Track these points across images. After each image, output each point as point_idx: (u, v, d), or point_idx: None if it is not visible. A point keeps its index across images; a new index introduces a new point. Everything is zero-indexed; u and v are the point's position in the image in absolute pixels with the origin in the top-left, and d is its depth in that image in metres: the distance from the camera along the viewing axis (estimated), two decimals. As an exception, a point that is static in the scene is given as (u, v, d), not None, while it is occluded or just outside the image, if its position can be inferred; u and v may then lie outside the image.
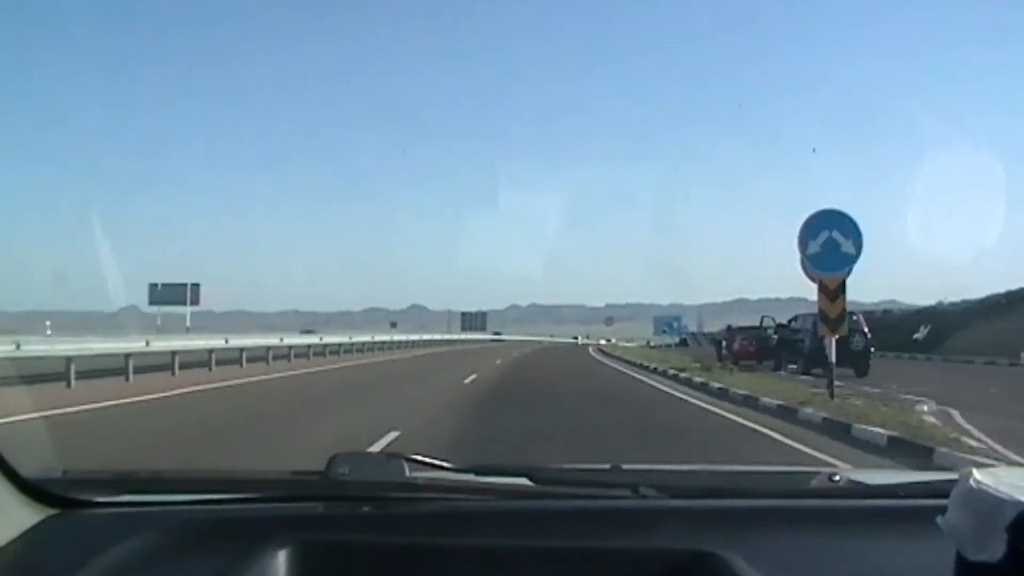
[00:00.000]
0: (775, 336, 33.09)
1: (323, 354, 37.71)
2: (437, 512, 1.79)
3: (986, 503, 1.22)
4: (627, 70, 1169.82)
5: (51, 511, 1.76)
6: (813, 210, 16.12)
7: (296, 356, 33.65)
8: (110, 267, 56.66)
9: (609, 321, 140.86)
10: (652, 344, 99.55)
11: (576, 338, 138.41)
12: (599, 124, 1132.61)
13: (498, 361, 36.90)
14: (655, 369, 30.78)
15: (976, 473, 1.29)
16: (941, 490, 1.40)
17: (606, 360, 44.76)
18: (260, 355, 30.45)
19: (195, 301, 62.88)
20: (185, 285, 63.23)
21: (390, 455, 1.86)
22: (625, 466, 2.17)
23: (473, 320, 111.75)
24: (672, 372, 27.22)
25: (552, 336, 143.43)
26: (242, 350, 28.59)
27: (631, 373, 30.47)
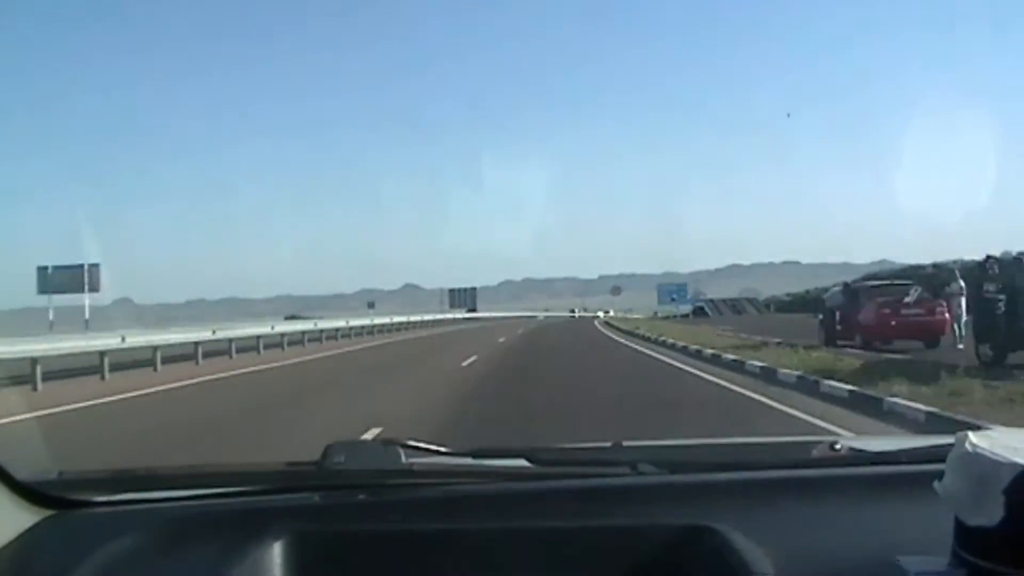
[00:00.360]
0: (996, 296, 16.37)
1: (301, 342, 34.19)
2: (434, 497, 1.77)
3: (982, 466, 1.21)
4: (615, 30, 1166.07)
5: (47, 512, 1.76)
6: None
7: (267, 347, 30.30)
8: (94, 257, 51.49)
9: (616, 291, 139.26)
10: (660, 315, 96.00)
11: (573, 311, 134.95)
12: (584, 91, 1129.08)
13: (470, 359, 23.51)
14: (712, 355, 21.33)
15: (972, 436, 1.28)
16: (941, 454, 1.38)
17: (632, 344, 32.11)
18: (251, 344, 29.28)
19: (94, 288, 46.81)
20: (81, 267, 46.80)
21: (386, 442, 1.83)
22: (626, 443, 2.14)
23: (462, 297, 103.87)
24: (758, 365, 17.15)
25: (547, 311, 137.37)
26: (231, 340, 27.28)
27: (695, 371, 18.83)
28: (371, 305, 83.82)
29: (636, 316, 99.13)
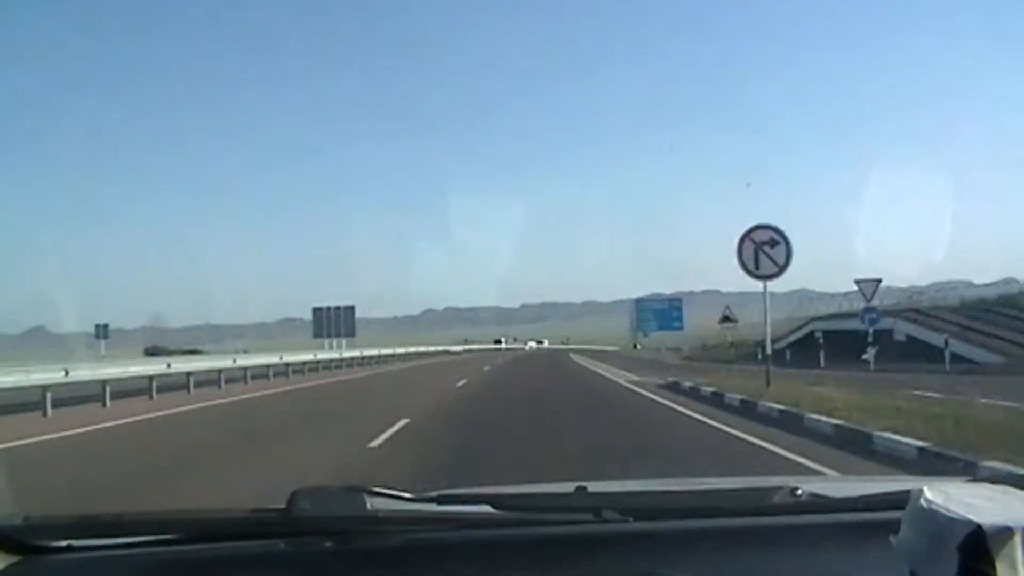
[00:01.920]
0: None
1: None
2: (399, 546, 1.79)
3: (936, 522, 1.25)
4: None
5: (13, 559, 1.75)
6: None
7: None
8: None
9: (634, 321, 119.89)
10: (639, 346, 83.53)
11: (500, 341, 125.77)
12: (506, 127, 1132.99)
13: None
14: None
15: (927, 491, 1.32)
16: (898, 502, 1.43)
17: None
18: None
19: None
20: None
21: (351, 488, 1.84)
22: (591, 486, 2.15)
23: (332, 320, 62.73)
24: None
25: (467, 342, 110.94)
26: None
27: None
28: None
29: (607, 349, 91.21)
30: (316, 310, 65.56)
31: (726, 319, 42.94)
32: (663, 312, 77.08)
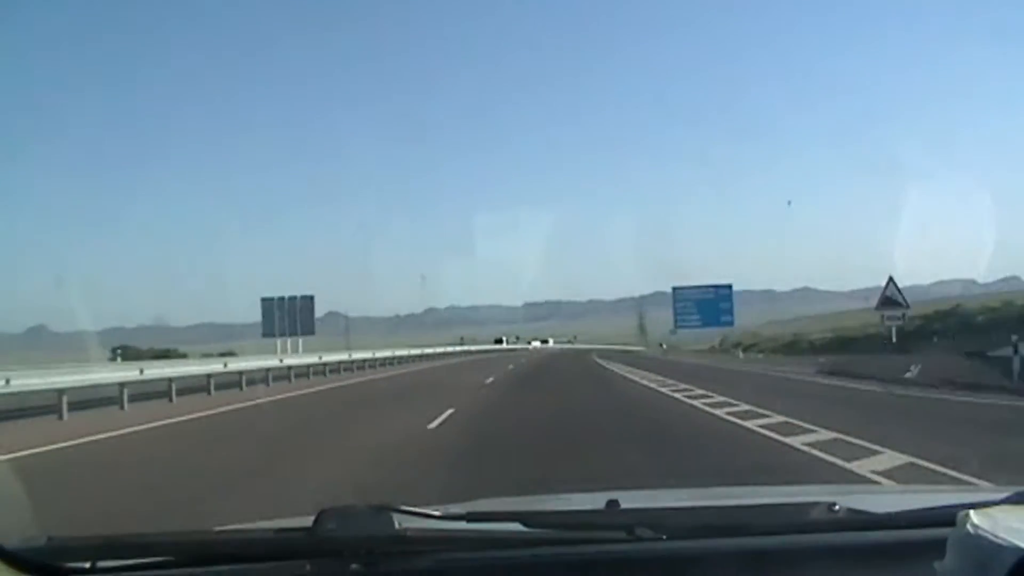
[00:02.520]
0: None
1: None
2: (427, 568, 1.77)
3: (984, 549, 1.23)
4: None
5: None
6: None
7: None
8: None
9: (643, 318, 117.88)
10: (666, 348, 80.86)
11: (500, 341, 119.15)
12: (509, 126, 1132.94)
13: None
14: None
15: (974, 516, 1.30)
16: (942, 518, 1.41)
17: None
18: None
19: None
20: None
21: (378, 507, 1.83)
22: (623, 499, 2.12)
23: (286, 315, 49.97)
24: None
25: (463, 342, 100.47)
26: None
27: None
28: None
29: (638, 349, 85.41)
30: (266, 301, 50.71)
31: (890, 302, 31.09)
32: (707, 303, 62.50)
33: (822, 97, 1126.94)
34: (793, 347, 61.81)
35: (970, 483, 7.58)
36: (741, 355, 57.98)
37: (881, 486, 7.39)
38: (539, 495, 2.63)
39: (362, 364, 46.04)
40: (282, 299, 50.90)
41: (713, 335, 72.17)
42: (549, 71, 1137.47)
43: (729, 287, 65.63)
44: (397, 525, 1.79)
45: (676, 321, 65.33)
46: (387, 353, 54.22)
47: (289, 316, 49.95)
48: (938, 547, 1.35)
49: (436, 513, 1.94)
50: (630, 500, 2.20)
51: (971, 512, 1.32)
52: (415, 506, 1.91)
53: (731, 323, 65.41)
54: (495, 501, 2.47)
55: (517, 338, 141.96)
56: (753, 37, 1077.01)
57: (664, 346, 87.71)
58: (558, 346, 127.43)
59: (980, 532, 1.26)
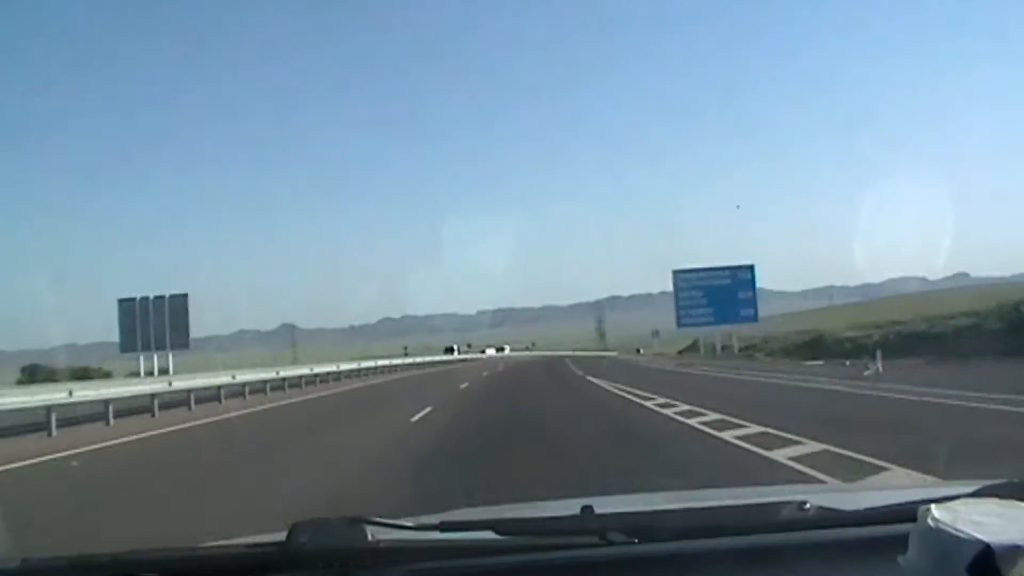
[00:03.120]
0: None
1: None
2: None
3: (945, 542, 1.26)
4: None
5: None
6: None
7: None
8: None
9: (655, 334, 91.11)
10: (643, 353, 79.00)
11: (452, 350, 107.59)
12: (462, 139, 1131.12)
13: None
14: None
15: (935, 511, 1.33)
16: (906, 514, 1.44)
17: None
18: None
19: None
20: None
21: (352, 519, 1.82)
22: (597, 504, 2.11)
23: (148, 323, 39.77)
24: None
25: (406, 352, 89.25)
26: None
27: None
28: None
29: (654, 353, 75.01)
30: (124, 304, 40.38)
31: None
32: (721, 292, 45.02)
33: (783, 94, 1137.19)
34: (815, 347, 48.78)
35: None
36: (761, 358, 47.15)
37: (851, 484, 7.56)
38: (513, 503, 2.62)
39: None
40: (146, 301, 40.06)
41: (705, 333, 57.99)
42: (519, 82, 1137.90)
43: (751, 268, 50.11)
44: (370, 537, 1.78)
45: (679, 317, 50.24)
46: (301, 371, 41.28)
47: (155, 323, 39.06)
48: (903, 542, 1.38)
49: (409, 524, 1.93)
50: (604, 505, 2.19)
51: (932, 507, 1.34)
52: (388, 517, 1.91)
53: (753, 318, 51.13)
54: (469, 511, 2.46)
55: (469, 346, 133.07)
56: (748, 38, 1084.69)
57: (641, 351, 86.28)
58: (518, 354, 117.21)
59: (941, 526, 1.29)
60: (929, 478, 8.01)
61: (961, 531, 1.26)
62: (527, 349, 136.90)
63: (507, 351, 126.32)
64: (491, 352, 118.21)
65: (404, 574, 1.78)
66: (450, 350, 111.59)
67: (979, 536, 1.23)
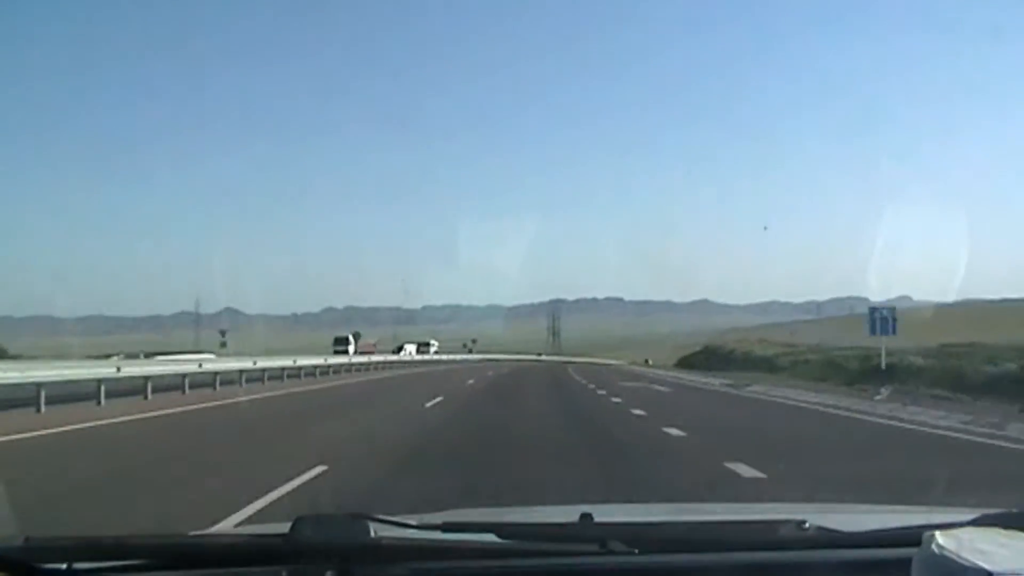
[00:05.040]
0: None
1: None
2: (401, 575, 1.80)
3: (948, 570, 1.29)
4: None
5: None
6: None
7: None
8: None
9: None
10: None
11: (344, 341, 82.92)
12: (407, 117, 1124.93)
13: None
14: None
15: (939, 537, 1.36)
16: (908, 538, 1.48)
17: None
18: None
19: None
20: None
21: (355, 515, 1.85)
22: (597, 513, 2.14)
23: None
24: None
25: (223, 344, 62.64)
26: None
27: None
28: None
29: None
30: None
31: None
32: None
33: (723, 109, 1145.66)
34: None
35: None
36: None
37: (851, 505, 7.73)
38: (514, 507, 2.64)
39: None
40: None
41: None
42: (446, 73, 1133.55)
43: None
44: (373, 533, 1.81)
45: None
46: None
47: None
48: (904, 566, 1.41)
49: (412, 522, 1.96)
50: (604, 514, 2.22)
51: (937, 533, 1.38)
52: (391, 515, 1.94)
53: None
54: (470, 512, 2.48)
55: (375, 343, 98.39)
56: (755, 40, 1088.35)
57: (650, 361, 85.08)
58: (451, 356, 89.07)
59: (945, 553, 1.31)
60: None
61: (965, 559, 1.29)
62: (467, 348, 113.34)
63: (434, 348, 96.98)
64: (409, 350, 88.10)
65: (405, 572, 1.80)
66: (342, 342, 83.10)
67: (983, 565, 1.26)
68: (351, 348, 79.34)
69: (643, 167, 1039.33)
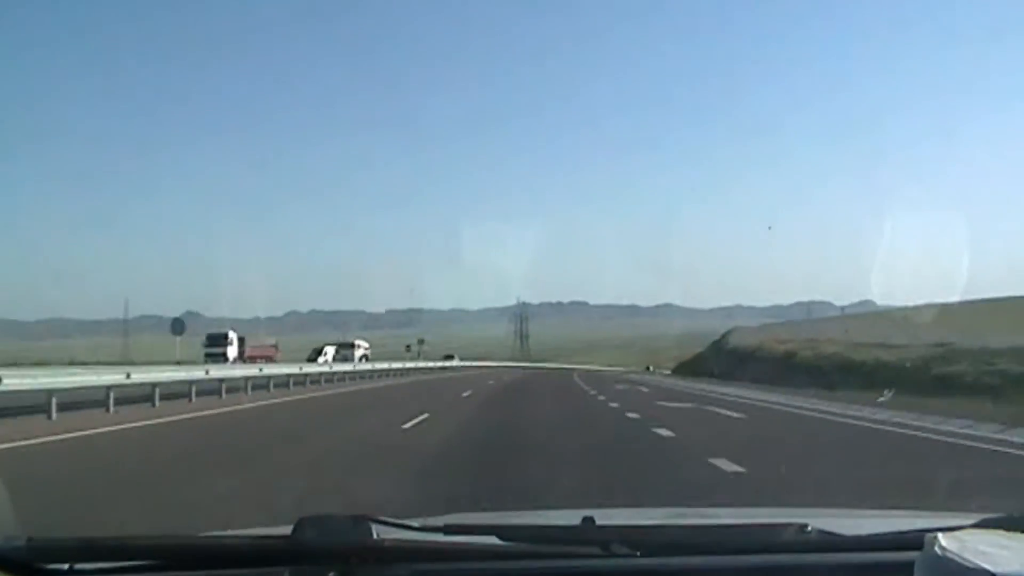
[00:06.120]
0: None
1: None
2: None
3: (951, 571, 1.31)
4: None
5: None
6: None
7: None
8: None
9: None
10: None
11: (214, 344, 63.21)
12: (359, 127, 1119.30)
13: None
14: None
15: (942, 539, 1.38)
16: (910, 542, 1.49)
17: None
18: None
19: None
20: None
21: (358, 517, 1.84)
22: (599, 517, 2.12)
23: None
24: None
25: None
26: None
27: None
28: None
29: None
30: None
31: None
32: None
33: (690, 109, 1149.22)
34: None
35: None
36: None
37: (853, 509, 7.81)
38: (516, 510, 2.65)
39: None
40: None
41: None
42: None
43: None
44: (375, 535, 1.80)
45: None
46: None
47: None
48: (906, 569, 1.43)
49: (414, 524, 1.97)
50: (606, 517, 2.19)
51: (939, 535, 1.39)
52: (393, 517, 1.94)
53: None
54: (472, 515, 2.49)
55: (275, 345, 78.67)
56: (753, 41, 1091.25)
57: (651, 368, 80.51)
58: (388, 366, 60.44)
59: (948, 555, 1.33)
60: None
61: (968, 560, 1.31)
62: (409, 351, 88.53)
63: (360, 352, 74.16)
64: (330, 353, 71.30)
65: (407, 573, 1.80)
66: (214, 342, 64.47)
67: (985, 566, 1.28)
68: (230, 352, 60.86)
69: (604, 170, 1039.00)
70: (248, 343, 72.45)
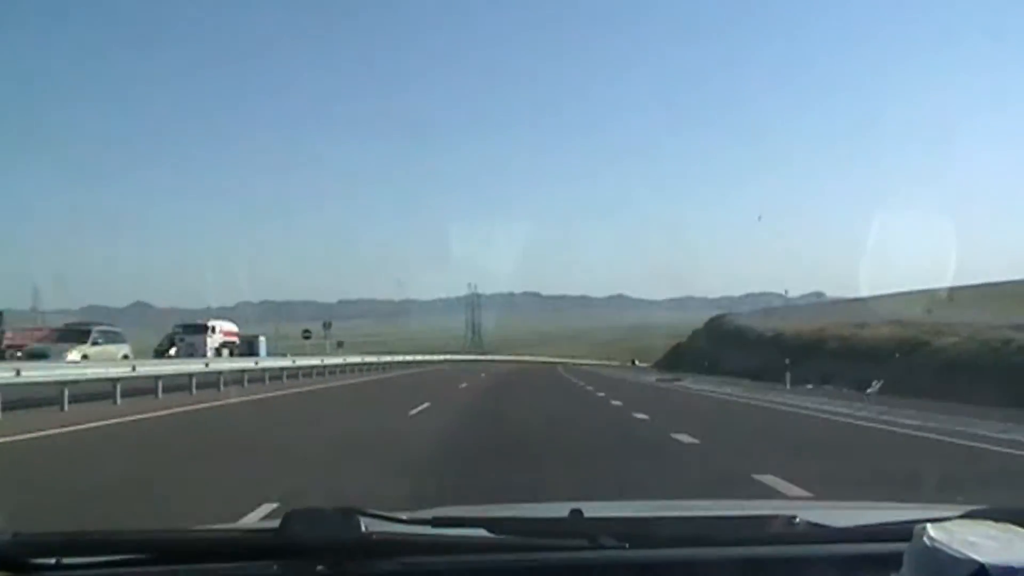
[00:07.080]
0: None
1: None
2: (392, 571, 1.80)
3: (940, 562, 1.32)
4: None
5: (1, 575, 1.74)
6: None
7: None
8: None
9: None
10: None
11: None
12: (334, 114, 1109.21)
13: None
14: None
15: (930, 529, 1.39)
16: (898, 533, 1.51)
17: None
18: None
19: None
20: None
21: (346, 511, 1.83)
22: (587, 509, 2.13)
23: None
24: None
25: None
26: None
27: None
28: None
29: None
30: None
31: None
32: None
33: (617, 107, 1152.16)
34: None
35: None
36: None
37: (841, 502, 7.94)
38: (504, 503, 2.66)
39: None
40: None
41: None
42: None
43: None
44: (363, 528, 1.80)
45: None
46: None
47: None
48: (894, 560, 1.45)
49: (403, 517, 1.96)
50: (594, 510, 2.22)
51: (928, 526, 1.41)
52: (382, 510, 1.93)
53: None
54: (461, 508, 2.49)
55: (40, 329, 44.72)
56: (750, 42, 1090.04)
57: (637, 362, 77.52)
58: (289, 364, 43.74)
59: (937, 545, 1.34)
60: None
61: (957, 551, 1.32)
62: (337, 343, 67.80)
63: (218, 340, 48.41)
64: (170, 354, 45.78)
65: (395, 567, 1.80)
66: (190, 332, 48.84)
67: (975, 556, 1.30)
68: (210, 341, 47.63)
69: (554, 161, 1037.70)
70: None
